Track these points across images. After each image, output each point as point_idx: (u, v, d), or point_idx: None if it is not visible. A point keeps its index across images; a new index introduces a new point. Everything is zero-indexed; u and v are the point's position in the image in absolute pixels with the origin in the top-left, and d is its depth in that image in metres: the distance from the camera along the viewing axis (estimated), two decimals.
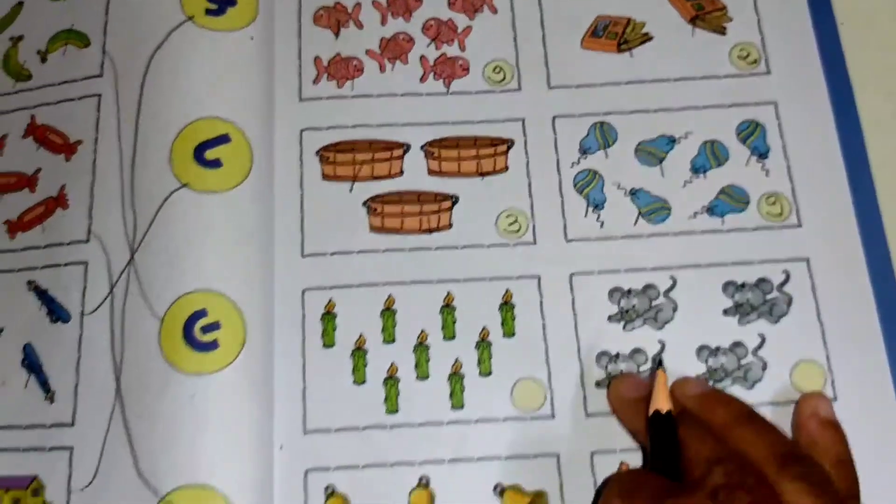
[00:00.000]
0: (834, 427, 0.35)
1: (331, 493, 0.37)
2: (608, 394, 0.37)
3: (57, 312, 0.38)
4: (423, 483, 0.37)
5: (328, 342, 0.39)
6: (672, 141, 0.41)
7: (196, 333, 0.36)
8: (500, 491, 0.36)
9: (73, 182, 0.40)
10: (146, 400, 0.36)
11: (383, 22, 0.44)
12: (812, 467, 0.32)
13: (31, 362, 0.38)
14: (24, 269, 0.39)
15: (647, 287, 0.39)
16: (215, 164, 0.39)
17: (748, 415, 0.34)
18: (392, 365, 0.38)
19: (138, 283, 0.37)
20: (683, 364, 0.38)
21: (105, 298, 0.38)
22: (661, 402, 0.34)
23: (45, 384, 0.37)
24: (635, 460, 0.36)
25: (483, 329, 0.39)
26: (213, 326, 0.36)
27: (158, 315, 0.37)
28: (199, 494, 0.34)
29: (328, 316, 0.39)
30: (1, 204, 0.40)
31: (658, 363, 0.36)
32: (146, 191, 0.38)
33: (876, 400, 0.37)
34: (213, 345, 0.36)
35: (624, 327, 0.39)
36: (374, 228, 0.40)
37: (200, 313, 0.37)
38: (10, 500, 0.37)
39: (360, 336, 0.39)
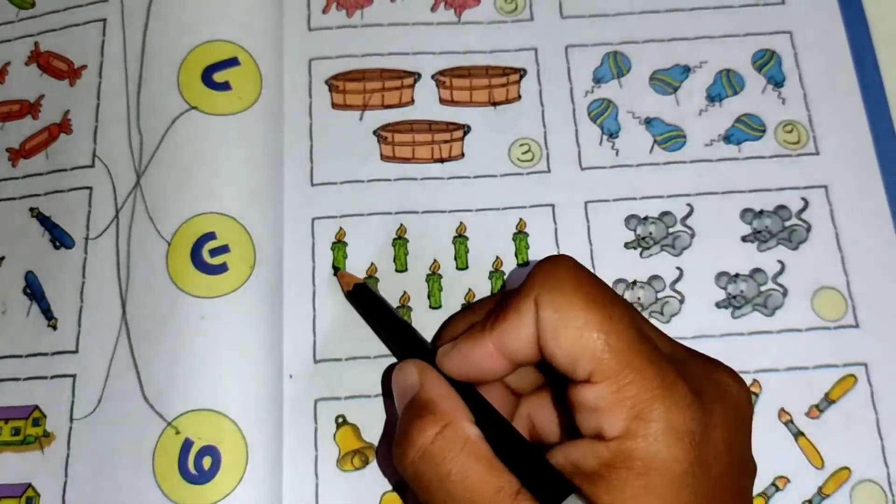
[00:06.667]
0: None
1: (342, 422, 0.36)
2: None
3: (60, 239, 0.37)
4: None
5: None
6: (687, 70, 0.41)
7: (205, 256, 0.35)
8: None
9: (78, 107, 0.39)
10: (153, 324, 0.35)
11: None
12: None
13: (33, 290, 0.37)
14: (27, 197, 0.38)
15: (664, 214, 0.38)
16: (224, 86, 0.38)
17: None
18: (404, 293, 0.37)
19: (145, 206, 0.36)
20: (703, 290, 0.37)
21: (111, 222, 0.37)
22: (352, 278, 0.36)
23: (47, 311, 0.36)
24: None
25: (496, 259, 0.38)
26: (223, 249, 0.36)
27: (166, 238, 0.36)
28: (208, 419, 0.33)
29: (339, 244, 0.38)
30: (3, 132, 0.39)
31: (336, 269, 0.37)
32: (153, 113, 0.38)
33: None
34: (222, 268, 0.35)
35: (641, 254, 0.38)
36: (384, 157, 0.39)
37: (209, 236, 0.36)
38: (10, 430, 0.36)
39: (372, 265, 0.38)
